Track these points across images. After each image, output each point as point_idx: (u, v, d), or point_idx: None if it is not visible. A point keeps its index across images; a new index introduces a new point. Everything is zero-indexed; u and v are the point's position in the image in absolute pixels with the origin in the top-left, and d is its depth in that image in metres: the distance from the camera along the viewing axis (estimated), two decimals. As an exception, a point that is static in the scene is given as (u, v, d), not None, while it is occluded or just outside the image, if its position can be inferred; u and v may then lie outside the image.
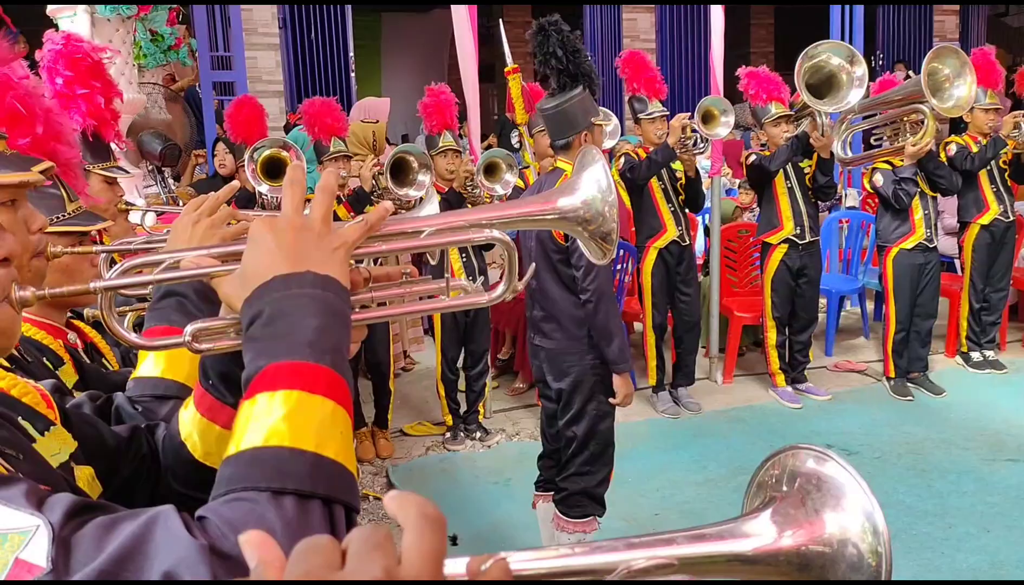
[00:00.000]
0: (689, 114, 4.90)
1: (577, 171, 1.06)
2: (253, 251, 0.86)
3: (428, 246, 0.99)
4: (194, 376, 1.25)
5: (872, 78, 6.26)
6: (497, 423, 5.04)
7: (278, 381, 0.76)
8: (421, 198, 4.24)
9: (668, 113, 5.04)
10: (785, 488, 0.73)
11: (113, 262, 1.80)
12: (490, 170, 4.55)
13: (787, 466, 0.74)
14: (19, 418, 0.94)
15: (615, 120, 5.57)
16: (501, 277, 1.01)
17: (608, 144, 5.01)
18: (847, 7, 8.11)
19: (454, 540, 3.75)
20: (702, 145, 4.94)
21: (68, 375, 1.48)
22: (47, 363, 1.43)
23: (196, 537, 0.68)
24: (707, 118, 4.96)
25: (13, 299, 0.83)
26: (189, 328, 0.91)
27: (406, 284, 0.99)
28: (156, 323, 1.26)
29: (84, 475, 0.98)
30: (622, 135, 6.52)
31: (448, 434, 4.84)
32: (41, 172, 1.27)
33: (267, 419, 0.74)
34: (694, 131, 4.87)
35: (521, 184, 4.75)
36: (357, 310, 0.93)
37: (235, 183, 1.57)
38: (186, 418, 1.06)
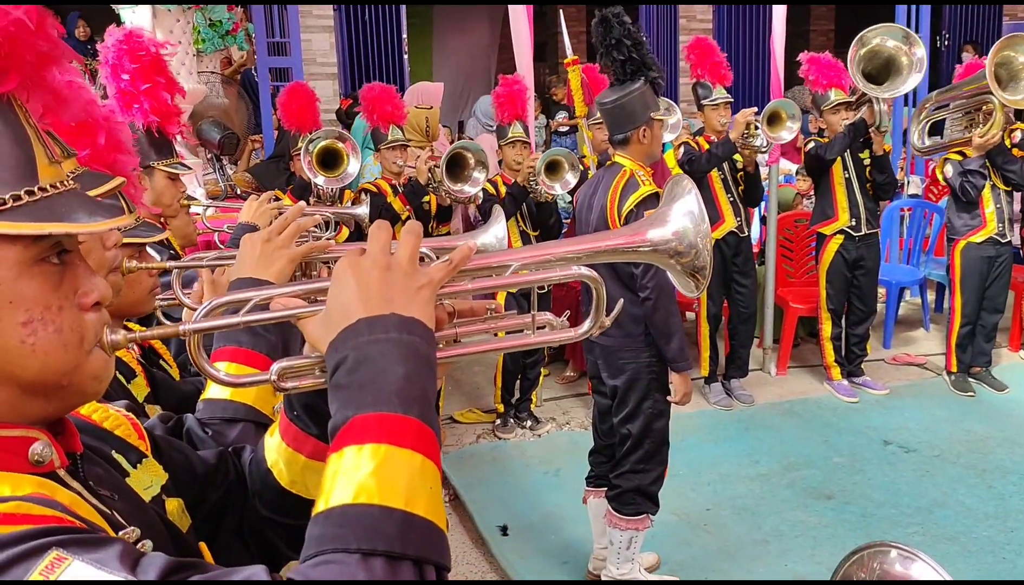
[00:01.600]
0: (755, 110, 4.81)
1: (667, 201, 1.03)
2: (337, 292, 0.85)
3: (514, 284, 0.96)
4: (263, 398, 1.27)
5: (937, 60, 6.02)
6: (547, 412, 5.04)
7: (366, 434, 0.75)
8: (480, 196, 4.22)
9: (732, 100, 4.97)
10: (875, 597, 0.70)
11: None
12: (552, 167, 4.51)
13: (874, 569, 0.71)
14: (112, 452, 0.95)
15: (679, 112, 5.46)
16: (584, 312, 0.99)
17: (668, 137, 4.94)
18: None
19: (504, 530, 3.77)
20: (764, 145, 4.85)
21: (140, 387, 1.50)
22: (120, 376, 1.45)
23: None
24: (773, 119, 4.87)
25: (105, 343, 0.83)
26: (275, 367, 0.91)
27: (491, 320, 0.98)
28: (225, 343, 1.27)
29: (174, 507, 1.00)
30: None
31: (499, 421, 4.86)
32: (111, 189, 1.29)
33: (355, 475, 0.73)
34: (757, 128, 4.78)
35: None
36: (441, 347, 0.92)
37: (302, 204, 1.57)
38: (272, 445, 1.07)
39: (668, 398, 3.14)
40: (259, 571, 0.70)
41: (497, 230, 1.47)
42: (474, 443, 4.75)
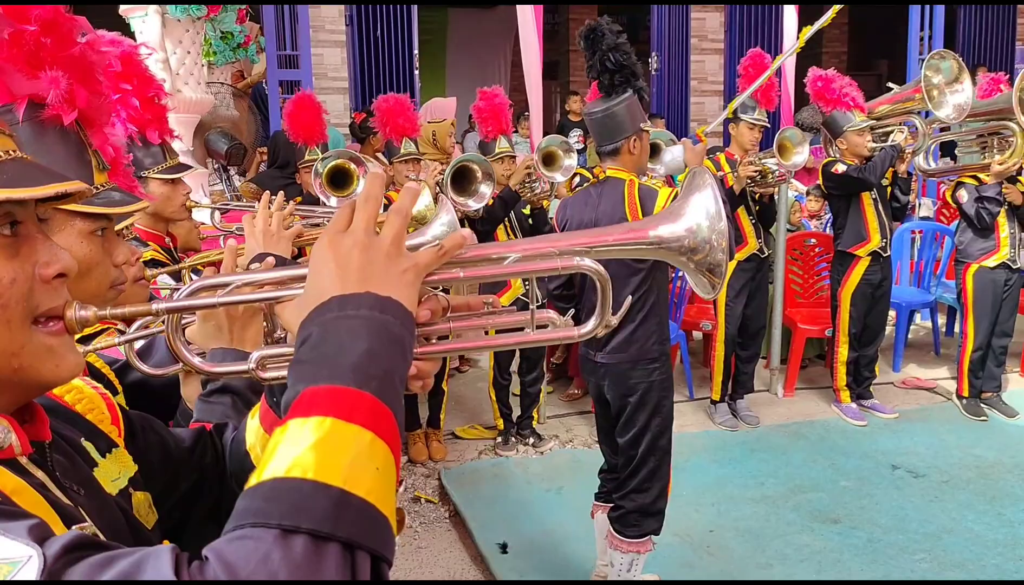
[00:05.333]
0: (753, 164, 4.72)
1: (684, 195, 0.98)
2: (315, 273, 0.80)
3: (512, 274, 0.91)
4: None
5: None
6: (551, 429, 4.99)
7: (313, 406, 0.69)
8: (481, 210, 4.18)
9: (768, 126, 4.95)
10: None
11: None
12: (548, 160, 4.47)
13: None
14: (82, 439, 0.91)
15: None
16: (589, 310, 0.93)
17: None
18: (927, 7, 7.82)
19: (504, 548, 3.72)
20: (776, 175, 4.83)
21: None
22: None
23: (182, 579, 0.63)
24: (781, 150, 4.85)
25: (71, 320, 0.80)
26: (255, 355, 0.88)
27: (488, 315, 0.92)
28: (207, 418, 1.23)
29: (140, 501, 0.96)
30: (684, 136, 6.40)
31: (499, 439, 4.81)
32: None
33: (294, 448, 0.67)
34: (771, 170, 4.79)
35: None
36: (434, 341, 0.88)
37: None
38: (252, 428, 1.05)
39: None
40: (162, 549, 0.64)
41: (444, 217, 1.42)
42: (476, 459, 4.71)
